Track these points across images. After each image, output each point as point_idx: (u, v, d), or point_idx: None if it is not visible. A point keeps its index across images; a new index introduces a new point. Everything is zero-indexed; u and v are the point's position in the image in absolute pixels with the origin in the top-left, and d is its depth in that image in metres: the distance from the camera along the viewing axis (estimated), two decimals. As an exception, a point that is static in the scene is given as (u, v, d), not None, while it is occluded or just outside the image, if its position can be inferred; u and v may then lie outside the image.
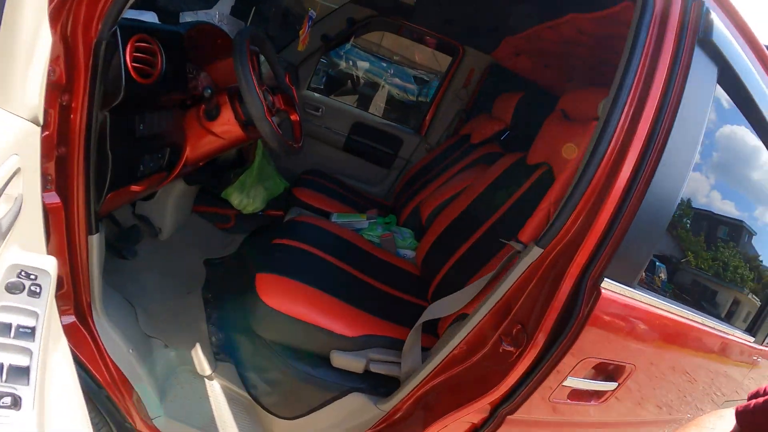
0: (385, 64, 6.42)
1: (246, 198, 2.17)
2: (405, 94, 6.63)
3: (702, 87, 1.15)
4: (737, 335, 1.56)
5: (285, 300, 1.34)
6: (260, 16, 2.43)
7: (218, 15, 1.93)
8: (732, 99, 1.26)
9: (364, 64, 6.18)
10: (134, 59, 1.22)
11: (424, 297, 1.73)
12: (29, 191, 0.73)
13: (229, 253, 2.19)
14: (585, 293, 1.07)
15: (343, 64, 5.96)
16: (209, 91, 1.48)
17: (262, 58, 1.80)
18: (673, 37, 1.11)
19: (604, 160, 1.08)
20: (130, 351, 1.36)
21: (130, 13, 1.48)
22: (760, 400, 0.51)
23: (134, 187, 1.36)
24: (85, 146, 1.04)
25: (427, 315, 1.39)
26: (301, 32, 2.22)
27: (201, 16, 1.88)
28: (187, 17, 1.88)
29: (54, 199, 0.99)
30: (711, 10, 1.13)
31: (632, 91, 1.09)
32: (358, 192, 2.75)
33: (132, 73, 1.20)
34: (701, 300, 1.54)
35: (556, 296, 1.08)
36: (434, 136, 3.02)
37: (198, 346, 1.63)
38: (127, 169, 1.30)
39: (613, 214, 1.06)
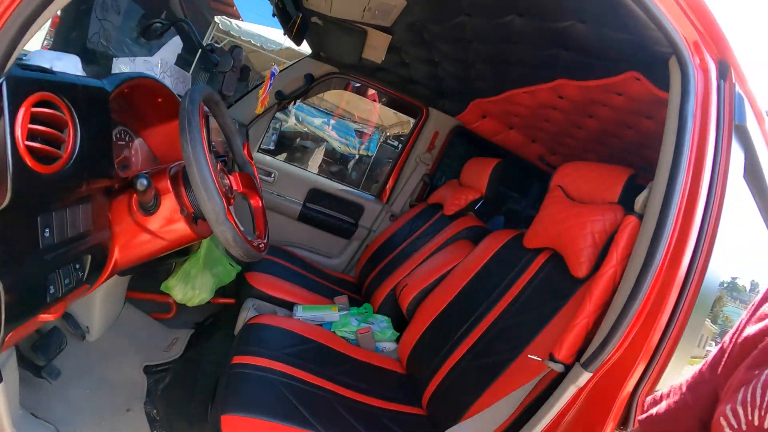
0: (330, 120, 6.35)
1: (191, 290, 1.80)
2: (348, 149, 6.57)
3: (737, 174, 1.09)
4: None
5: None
6: (205, 66, 2.14)
7: (160, 64, 1.59)
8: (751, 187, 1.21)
9: (313, 120, 6.05)
10: (31, 135, 0.80)
11: (418, 402, 1.46)
12: None
13: (173, 356, 1.80)
14: (636, 415, 0.94)
15: (291, 121, 5.80)
16: (144, 182, 1.06)
17: (212, 120, 1.50)
18: (715, 124, 1.02)
19: (660, 265, 0.96)
20: None
21: (39, 58, 1.03)
22: (663, 406, 0.49)
23: (44, 316, 0.98)
24: None
25: None
26: (261, 92, 1.92)
27: (139, 64, 1.52)
28: (121, 65, 1.53)
29: None
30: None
31: (684, 186, 0.98)
32: (319, 270, 2.44)
33: (25, 158, 0.79)
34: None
35: (605, 426, 0.93)
36: (398, 203, 2.81)
37: (147, 485, 1.28)
38: (30, 297, 0.91)
39: (667, 323, 0.94)
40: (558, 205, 1.49)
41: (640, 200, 1.10)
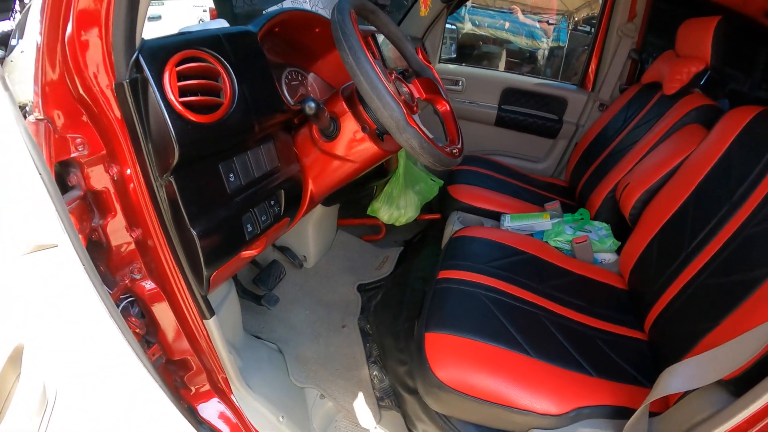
0: (507, 17, 5.79)
1: (396, 210, 1.86)
2: (536, 43, 5.95)
3: None
4: None
5: (466, 373, 1.00)
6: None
7: (309, -1, 1.55)
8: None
9: (491, 21, 5.61)
10: (183, 91, 0.84)
11: (639, 325, 1.26)
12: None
13: (384, 274, 1.91)
14: None
15: (467, 27, 5.46)
16: (312, 104, 1.03)
17: (380, 37, 1.41)
18: None
19: None
20: (281, 419, 1.21)
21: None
22: None
23: (246, 253, 1.05)
24: (160, 225, 0.82)
25: (664, 389, 0.88)
26: None
27: (287, 5, 1.51)
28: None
29: (149, 285, 0.88)
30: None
31: None
32: (525, 175, 2.24)
33: (183, 113, 0.83)
34: None
35: None
36: (606, 89, 2.40)
37: (360, 395, 1.42)
38: (228, 238, 0.98)
39: None
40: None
41: None
